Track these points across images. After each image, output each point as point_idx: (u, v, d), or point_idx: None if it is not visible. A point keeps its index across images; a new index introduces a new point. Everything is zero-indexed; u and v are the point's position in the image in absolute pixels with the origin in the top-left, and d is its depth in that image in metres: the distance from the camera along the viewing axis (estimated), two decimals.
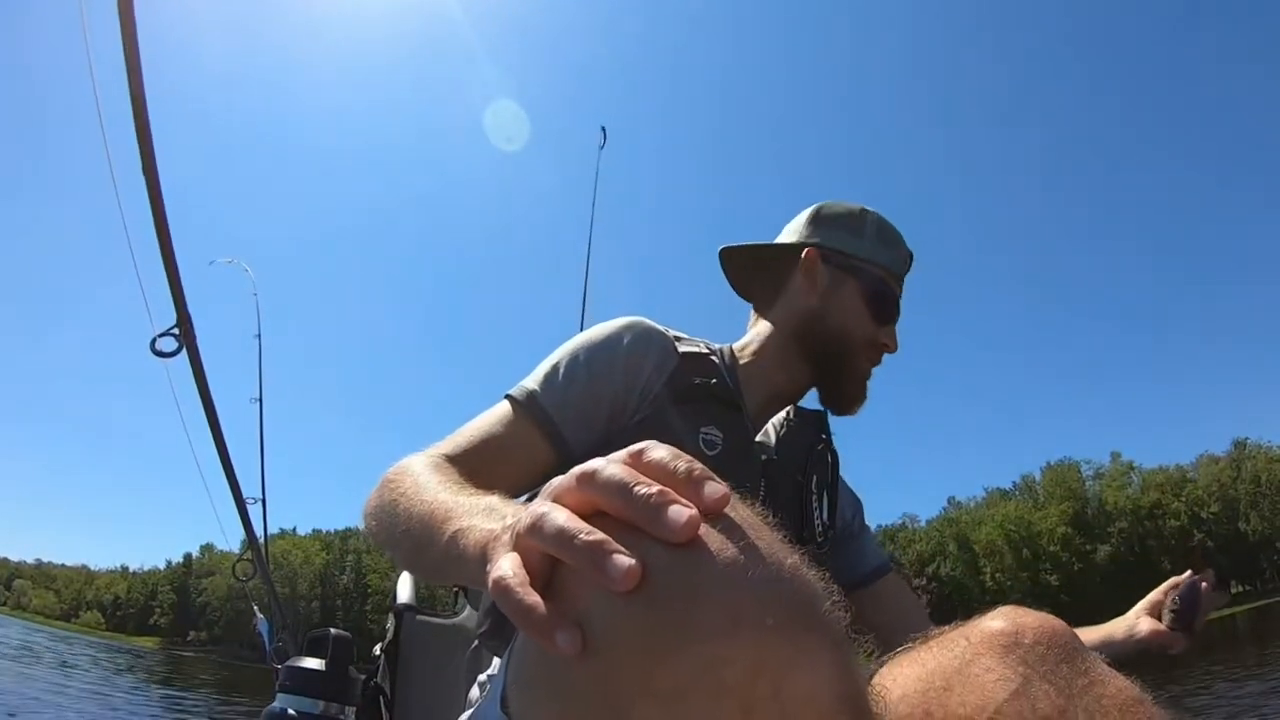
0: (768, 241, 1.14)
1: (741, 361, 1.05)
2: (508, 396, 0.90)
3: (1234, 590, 55.24)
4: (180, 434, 2.72)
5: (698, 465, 0.32)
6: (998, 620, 0.49)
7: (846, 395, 1.06)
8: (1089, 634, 1.09)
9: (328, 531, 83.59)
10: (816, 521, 1.02)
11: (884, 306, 1.05)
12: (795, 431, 1.08)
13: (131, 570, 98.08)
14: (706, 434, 0.93)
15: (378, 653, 1.31)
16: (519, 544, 0.34)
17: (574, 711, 0.29)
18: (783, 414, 1.11)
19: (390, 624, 1.34)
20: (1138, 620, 1.10)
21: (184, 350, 2.11)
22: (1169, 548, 55.98)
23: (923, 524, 68.69)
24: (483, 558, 0.44)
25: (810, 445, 1.06)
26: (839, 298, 1.04)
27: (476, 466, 0.79)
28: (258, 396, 3.57)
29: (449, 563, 0.53)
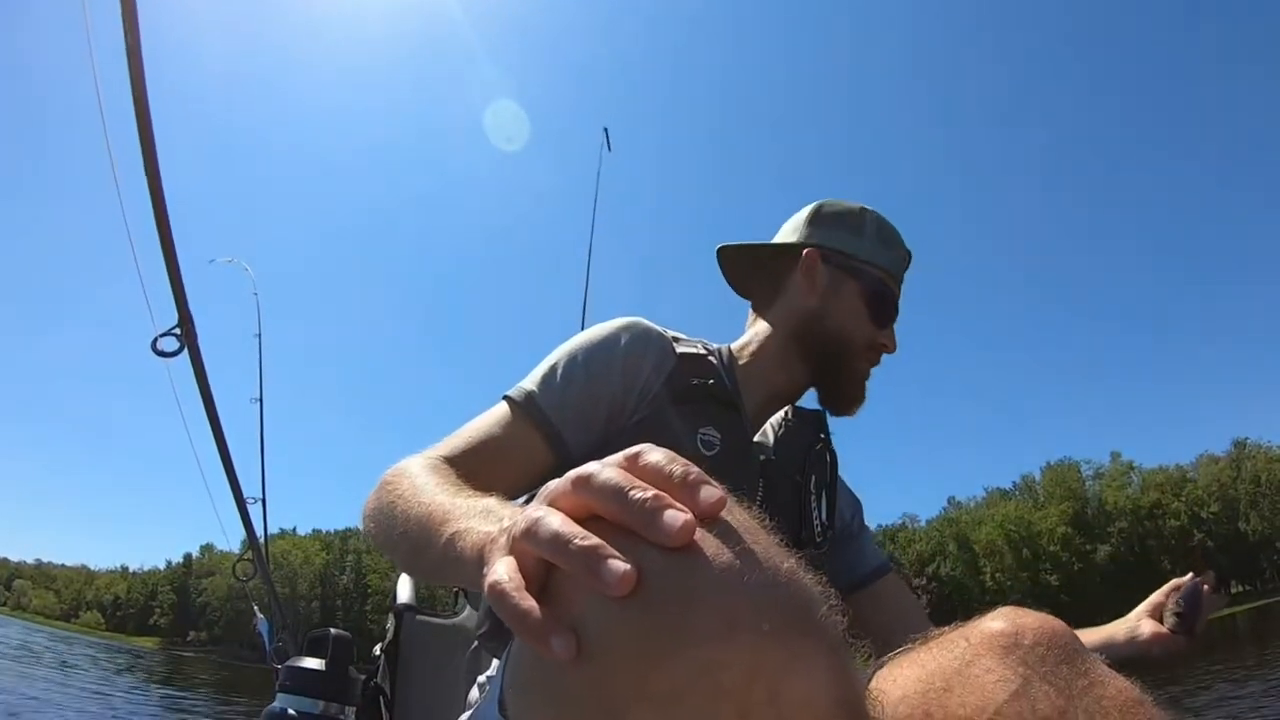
0: (766, 240, 1.14)
1: (740, 362, 1.05)
2: (506, 398, 0.90)
3: (1234, 590, 55.28)
4: (180, 434, 2.73)
5: (693, 469, 0.32)
6: (998, 621, 0.49)
7: (845, 396, 1.06)
8: (1090, 635, 1.09)
9: (328, 531, 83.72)
10: (815, 522, 1.02)
11: (884, 308, 1.05)
12: (794, 431, 1.08)
13: (131, 570, 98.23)
14: (705, 435, 0.93)
15: (378, 653, 1.31)
16: (514, 548, 0.34)
17: (570, 716, 0.29)
18: (781, 414, 1.11)
19: (390, 624, 1.34)
20: (1139, 623, 1.10)
21: (185, 350, 2.11)
22: (1169, 548, 56.01)
23: (923, 524, 68.73)
24: (479, 560, 0.44)
25: (809, 445, 1.06)
26: (839, 299, 1.04)
27: (475, 468, 0.79)
28: (258, 396, 3.57)
29: (446, 565, 0.53)
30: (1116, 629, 1.11)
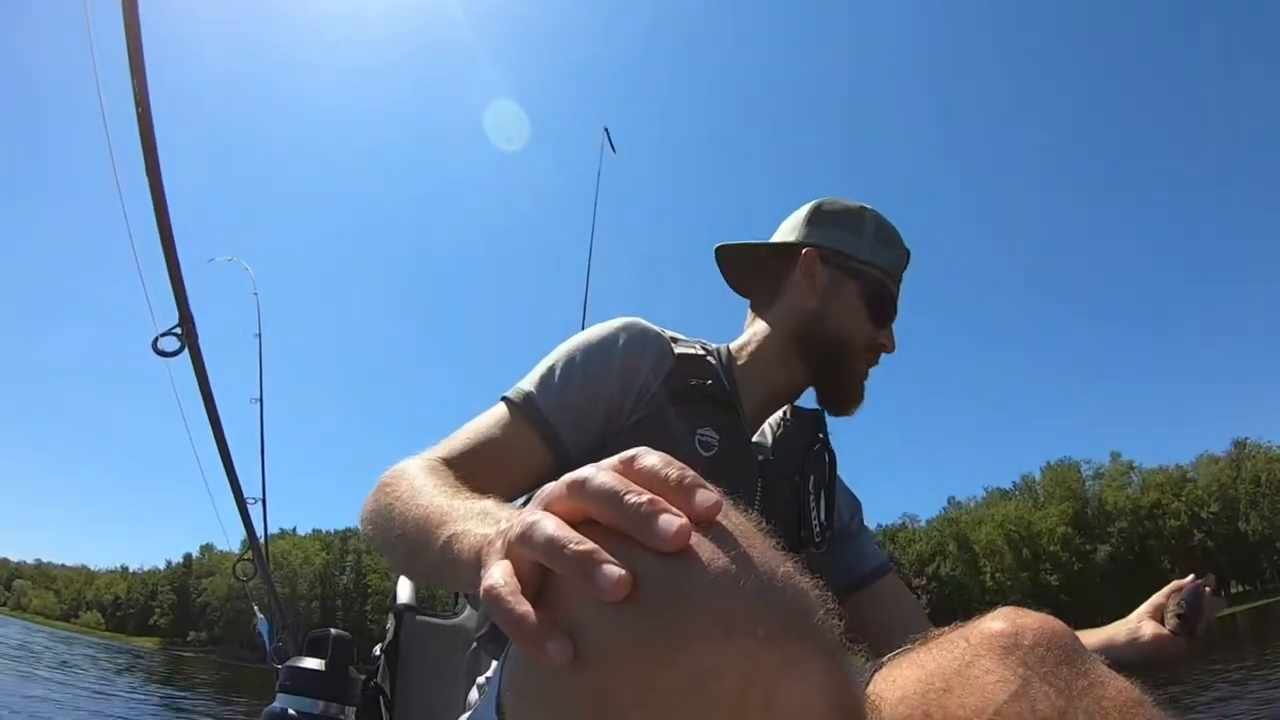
0: (765, 240, 1.13)
1: (739, 362, 1.05)
2: (504, 399, 0.90)
3: (1234, 590, 55.22)
4: (181, 434, 2.74)
5: (689, 473, 0.32)
6: (997, 621, 0.49)
7: (844, 396, 1.06)
8: (1090, 637, 1.09)
9: (328, 531, 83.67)
10: (814, 522, 1.02)
11: (883, 308, 1.04)
12: (792, 431, 1.08)
13: (131, 570, 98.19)
14: (703, 435, 0.92)
15: (378, 653, 1.31)
16: (510, 552, 0.34)
17: None
18: (780, 414, 1.10)
19: (390, 624, 1.34)
20: (1140, 624, 1.10)
21: (186, 350, 2.12)
22: (1169, 548, 56.00)
23: (923, 524, 68.68)
24: (476, 563, 0.44)
25: (807, 445, 1.06)
26: (838, 299, 1.04)
27: (473, 469, 0.79)
28: (258, 396, 3.57)
29: (444, 568, 0.53)
30: (1117, 630, 1.11)
